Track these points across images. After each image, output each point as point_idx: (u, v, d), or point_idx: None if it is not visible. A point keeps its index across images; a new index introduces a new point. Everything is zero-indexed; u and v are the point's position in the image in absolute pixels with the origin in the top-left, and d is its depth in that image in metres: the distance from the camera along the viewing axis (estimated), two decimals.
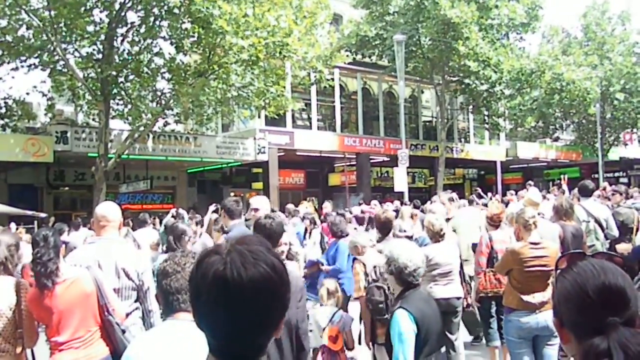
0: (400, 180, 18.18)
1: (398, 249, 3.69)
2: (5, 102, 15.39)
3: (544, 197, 9.44)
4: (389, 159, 23.79)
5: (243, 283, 1.19)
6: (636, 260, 5.04)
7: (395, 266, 3.56)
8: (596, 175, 28.02)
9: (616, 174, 33.74)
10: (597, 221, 6.96)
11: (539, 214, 6.29)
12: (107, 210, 4.08)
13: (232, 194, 23.96)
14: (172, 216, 10.95)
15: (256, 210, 5.50)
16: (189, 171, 22.41)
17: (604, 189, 13.54)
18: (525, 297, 4.67)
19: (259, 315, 1.23)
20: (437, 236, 5.74)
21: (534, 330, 4.62)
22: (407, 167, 18.65)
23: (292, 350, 3.15)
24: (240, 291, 1.19)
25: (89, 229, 10.17)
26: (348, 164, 24.53)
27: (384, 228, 5.64)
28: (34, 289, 3.47)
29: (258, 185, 22.81)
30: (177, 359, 2.02)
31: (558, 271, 1.40)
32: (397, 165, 18.54)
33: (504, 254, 5.15)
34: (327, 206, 14.87)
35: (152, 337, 2.32)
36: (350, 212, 12.76)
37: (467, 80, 21.96)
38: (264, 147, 19.26)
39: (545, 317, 4.61)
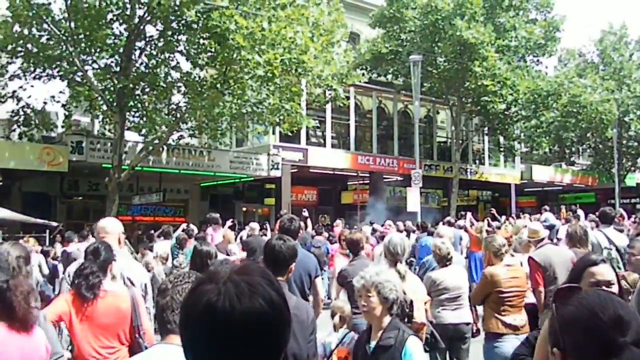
0: (414, 200, 18.05)
1: (394, 277, 3.49)
2: (24, 111, 15.57)
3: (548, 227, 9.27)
4: (402, 179, 23.68)
5: (234, 316, 1.09)
6: None
7: (395, 296, 3.37)
8: (612, 201, 27.62)
9: (632, 201, 33.29)
10: (618, 249, 6.81)
11: (542, 239, 6.17)
12: (107, 223, 4.43)
13: (244, 209, 23.98)
14: (183, 230, 10.95)
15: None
16: (201, 185, 22.43)
17: (621, 216, 13.36)
18: (507, 320, 4.80)
19: (250, 355, 1.12)
20: (444, 260, 5.65)
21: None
22: (421, 188, 18.53)
23: None
24: (230, 325, 1.09)
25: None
26: (361, 182, 24.44)
27: (354, 248, 5.64)
28: (76, 300, 3.51)
29: (270, 201, 22.78)
30: None
31: (554, 303, 1.53)
32: (410, 185, 18.43)
33: (482, 278, 5.22)
34: (339, 224, 14.83)
35: None
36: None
37: (483, 99, 21.80)
38: (277, 163, 19.24)
39: None
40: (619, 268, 6.68)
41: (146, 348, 3.47)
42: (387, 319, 3.30)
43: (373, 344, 3.29)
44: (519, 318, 4.87)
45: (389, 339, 3.21)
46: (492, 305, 4.90)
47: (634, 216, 15.46)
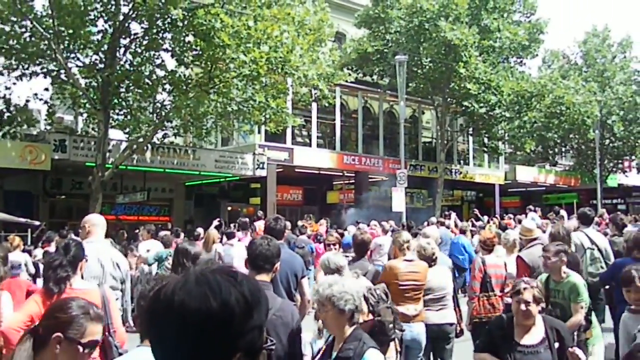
0: (399, 200, 18.10)
1: (353, 285, 3.29)
2: (7, 109, 15.37)
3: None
4: (387, 179, 23.74)
5: (171, 301, 1.07)
6: (610, 279, 5.65)
7: (353, 306, 3.17)
8: (594, 202, 27.94)
9: (614, 201, 33.73)
10: (599, 250, 6.88)
11: (534, 239, 6.23)
12: (93, 216, 4.98)
13: (229, 208, 23.90)
14: (167, 229, 10.90)
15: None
16: (186, 184, 22.32)
17: (601, 216, 13.48)
18: (401, 309, 5.09)
19: (186, 346, 1.06)
20: (429, 261, 5.67)
21: (407, 342, 5.00)
22: (406, 188, 18.58)
23: None
24: (166, 311, 1.07)
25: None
26: (347, 182, 24.47)
27: (360, 249, 5.64)
28: (42, 295, 3.46)
29: (256, 200, 22.72)
30: None
31: None
32: (395, 185, 18.48)
33: (383, 270, 5.52)
34: (323, 223, 14.85)
35: None
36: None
37: (466, 103, 21.96)
38: (262, 163, 19.20)
39: (418, 329, 5.24)
40: (602, 268, 6.75)
41: (117, 347, 3.47)
42: (348, 330, 3.18)
43: (334, 355, 3.20)
44: (412, 308, 5.24)
45: (348, 351, 3.11)
46: (392, 296, 5.05)
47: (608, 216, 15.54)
